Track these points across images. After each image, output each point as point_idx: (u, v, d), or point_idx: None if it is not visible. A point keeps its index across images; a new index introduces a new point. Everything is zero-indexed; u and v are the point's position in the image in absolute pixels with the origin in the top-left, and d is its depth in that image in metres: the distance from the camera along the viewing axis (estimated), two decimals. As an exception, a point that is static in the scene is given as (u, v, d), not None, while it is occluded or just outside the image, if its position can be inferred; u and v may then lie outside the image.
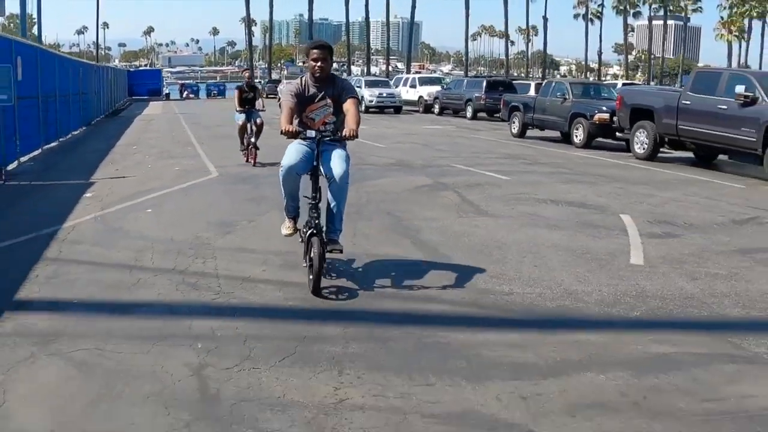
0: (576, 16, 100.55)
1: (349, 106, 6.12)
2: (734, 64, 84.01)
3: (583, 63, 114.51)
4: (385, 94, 38.11)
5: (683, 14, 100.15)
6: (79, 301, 5.83)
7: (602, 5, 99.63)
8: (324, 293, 5.94)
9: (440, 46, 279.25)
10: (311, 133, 5.99)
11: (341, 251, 6.19)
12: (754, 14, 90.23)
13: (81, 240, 7.97)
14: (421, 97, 40.22)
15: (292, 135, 5.91)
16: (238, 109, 14.72)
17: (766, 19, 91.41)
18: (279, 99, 15.21)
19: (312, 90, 6.20)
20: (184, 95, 60.56)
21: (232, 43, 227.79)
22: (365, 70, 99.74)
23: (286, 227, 6.52)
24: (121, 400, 4.07)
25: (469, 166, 15.03)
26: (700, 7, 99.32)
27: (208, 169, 14.36)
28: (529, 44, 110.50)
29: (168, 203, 10.43)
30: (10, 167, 13.61)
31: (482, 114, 33.76)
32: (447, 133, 25.55)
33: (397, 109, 38.29)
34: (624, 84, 34.30)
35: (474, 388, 4.32)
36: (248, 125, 14.66)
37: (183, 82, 73.13)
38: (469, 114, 34.06)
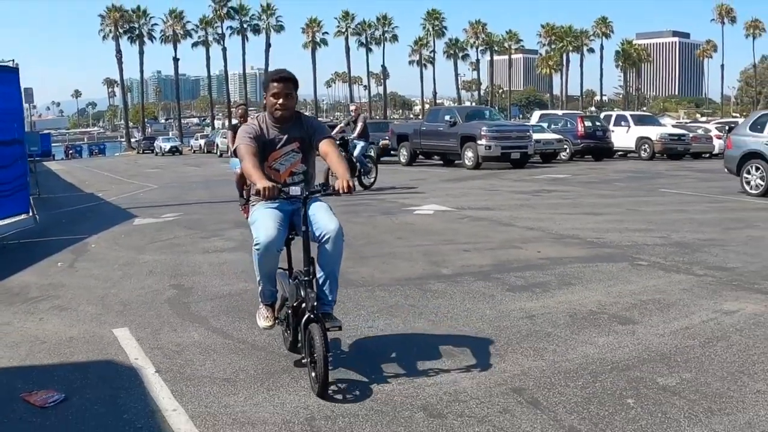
0: (411, 62, 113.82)
1: (327, 148, 4.97)
2: (557, 92, 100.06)
3: (433, 101, 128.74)
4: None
5: (508, 54, 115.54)
6: None
7: (434, 51, 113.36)
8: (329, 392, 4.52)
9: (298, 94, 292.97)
10: (296, 190, 4.66)
11: (340, 328, 4.71)
12: (570, 48, 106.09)
13: None
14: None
15: (273, 195, 4.53)
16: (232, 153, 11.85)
17: (583, 51, 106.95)
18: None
19: (273, 132, 5.01)
20: (69, 154, 71.05)
21: (92, 104, 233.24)
22: (226, 124, 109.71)
23: (264, 317, 5.18)
24: None
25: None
26: (522, 45, 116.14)
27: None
28: (382, 87, 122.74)
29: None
30: None
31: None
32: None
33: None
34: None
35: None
36: None
37: (67, 143, 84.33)
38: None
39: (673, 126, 38.87)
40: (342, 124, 18.84)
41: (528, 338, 5.71)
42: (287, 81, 5.02)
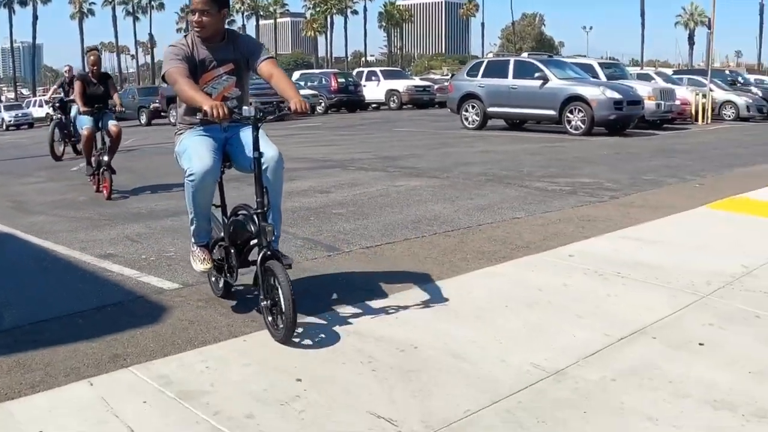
0: (179, 30, 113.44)
1: (270, 69, 4.46)
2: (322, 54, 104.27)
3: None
4: (20, 114, 47.78)
5: (274, 19, 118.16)
6: None
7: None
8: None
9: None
10: (249, 110, 4.09)
11: (290, 266, 4.04)
12: (335, 11, 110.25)
13: None
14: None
15: (224, 116, 3.94)
16: (82, 109, 10.17)
17: (347, 13, 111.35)
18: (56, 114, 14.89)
19: (203, 53, 4.44)
20: None
21: None
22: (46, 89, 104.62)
23: (201, 260, 4.60)
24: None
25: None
26: (288, 9, 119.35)
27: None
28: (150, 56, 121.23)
29: None
30: None
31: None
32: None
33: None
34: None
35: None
36: (98, 135, 10.22)
37: None
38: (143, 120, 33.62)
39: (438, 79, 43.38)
40: (55, 86, 17.52)
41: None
42: None
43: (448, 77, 41.17)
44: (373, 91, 35.02)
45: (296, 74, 39.59)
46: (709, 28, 33.87)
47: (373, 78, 35.81)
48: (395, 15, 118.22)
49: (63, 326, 4.32)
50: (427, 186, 9.58)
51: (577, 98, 18.74)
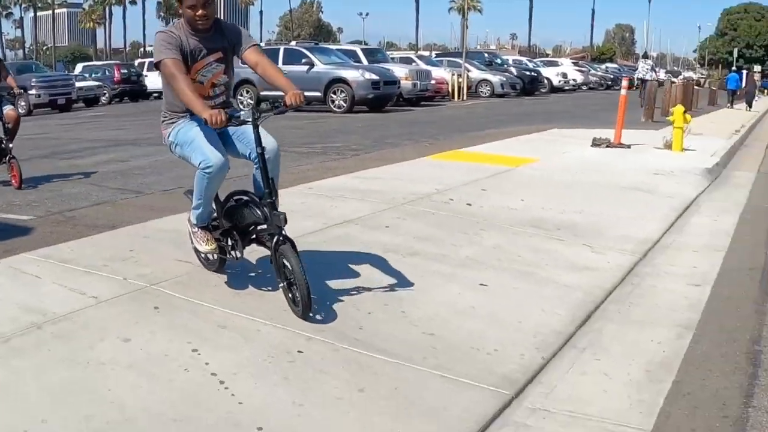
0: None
1: (256, 57, 4.59)
2: (101, 45, 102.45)
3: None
4: None
5: (51, 10, 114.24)
6: None
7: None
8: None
9: None
10: (246, 115, 4.28)
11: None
12: (114, 1, 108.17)
13: None
14: None
15: (223, 124, 4.18)
16: None
17: (126, 4, 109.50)
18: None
19: (193, 42, 4.49)
20: None
21: None
22: None
23: (205, 240, 4.84)
24: None
25: None
26: (65, 1, 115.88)
27: None
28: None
29: None
30: None
31: None
32: None
33: None
34: None
35: None
36: None
37: None
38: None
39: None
40: None
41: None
42: None
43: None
44: (155, 80, 36.34)
45: (79, 66, 40.25)
46: (464, 16, 38.03)
47: (155, 68, 37.14)
48: (174, 5, 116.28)
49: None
50: (208, 154, 11.83)
51: (340, 80, 21.64)
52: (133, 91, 35.21)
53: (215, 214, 4.86)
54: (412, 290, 5.05)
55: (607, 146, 13.12)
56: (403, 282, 5.18)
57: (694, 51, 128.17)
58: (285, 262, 4.32)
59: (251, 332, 4.22)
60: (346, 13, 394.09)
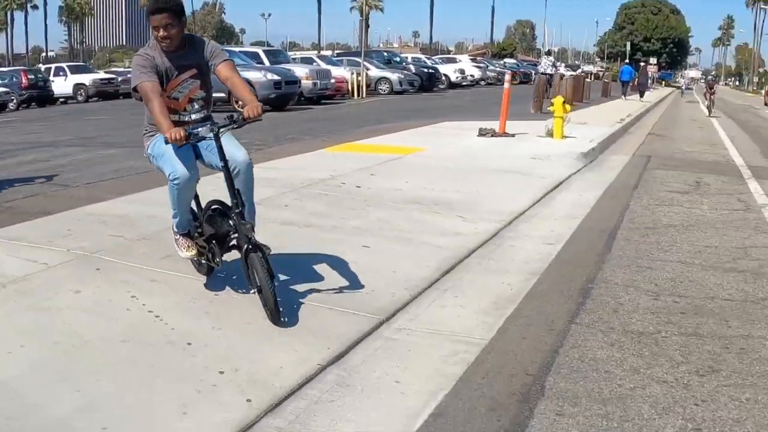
0: None
1: (227, 73, 4.77)
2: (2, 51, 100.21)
3: None
4: None
5: None
6: None
7: None
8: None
9: None
10: (205, 131, 4.57)
11: (269, 251, 4.71)
12: (15, 6, 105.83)
13: None
14: None
15: (183, 141, 4.42)
16: None
17: (27, 8, 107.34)
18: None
19: (167, 62, 4.74)
20: None
21: None
22: None
23: (186, 247, 5.12)
24: None
25: None
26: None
27: None
28: None
29: None
30: None
31: None
32: None
33: None
34: None
35: None
36: None
37: None
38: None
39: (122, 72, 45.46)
40: None
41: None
42: (163, 11, 4.61)
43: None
44: (62, 85, 37.07)
45: (-17, 73, 40.00)
46: (362, 16, 39.34)
47: (61, 73, 38.01)
48: (76, 8, 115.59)
49: None
50: (121, 153, 12.75)
51: (244, 81, 22.61)
52: (40, 96, 35.30)
53: (197, 222, 5.17)
54: (305, 251, 6.22)
55: (492, 135, 14.54)
56: (299, 245, 6.36)
57: (595, 45, 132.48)
58: (253, 271, 4.64)
59: (177, 284, 5.33)
60: (248, 14, 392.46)
